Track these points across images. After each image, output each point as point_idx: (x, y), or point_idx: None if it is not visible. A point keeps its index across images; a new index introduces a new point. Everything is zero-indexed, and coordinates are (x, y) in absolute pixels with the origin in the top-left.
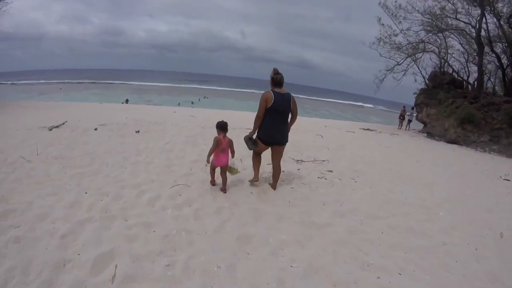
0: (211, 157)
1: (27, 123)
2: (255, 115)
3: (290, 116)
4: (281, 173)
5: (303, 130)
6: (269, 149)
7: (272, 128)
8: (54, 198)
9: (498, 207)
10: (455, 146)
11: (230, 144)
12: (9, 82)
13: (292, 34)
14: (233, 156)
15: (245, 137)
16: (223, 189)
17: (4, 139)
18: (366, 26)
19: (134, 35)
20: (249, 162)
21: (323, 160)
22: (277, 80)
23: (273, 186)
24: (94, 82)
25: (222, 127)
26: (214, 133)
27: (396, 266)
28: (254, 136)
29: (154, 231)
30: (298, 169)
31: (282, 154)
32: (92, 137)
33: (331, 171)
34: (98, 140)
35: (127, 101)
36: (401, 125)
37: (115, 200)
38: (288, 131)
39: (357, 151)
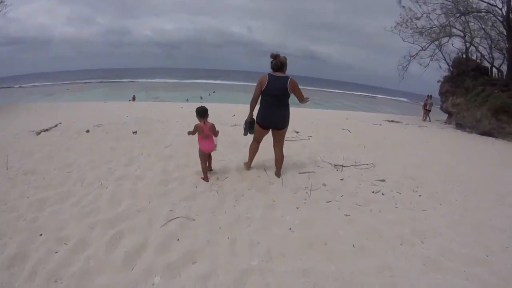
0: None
1: (18, 126)
2: None
3: (291, 100)
4: (324, 187)
5: (325, 124)
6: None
7: (268, 110)
8: None
9: None
10: (491, 138)
11: (212, 128)
12: (17, 85)
13: (299, 28)
14: (216, 135)
15: (245, 121)
16: (209, 169)
17: None
18: (377, 16)
19: (140, 34)
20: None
21: (367, 164)
22: (272, 64)
23: (277, 173)
24: (101, 81)
25: (201, 113)
26: (225, 129)
27: None
28: (250, 119)
29: None
30: (342, 179)
31: (283, 141)
32: (80, 142)
33: (383, 180)
34: (86, 146)
35: (134, 98)
36: (426, 116)
37: (74, 253)
38: (286, 115)
39: (397, 149)
